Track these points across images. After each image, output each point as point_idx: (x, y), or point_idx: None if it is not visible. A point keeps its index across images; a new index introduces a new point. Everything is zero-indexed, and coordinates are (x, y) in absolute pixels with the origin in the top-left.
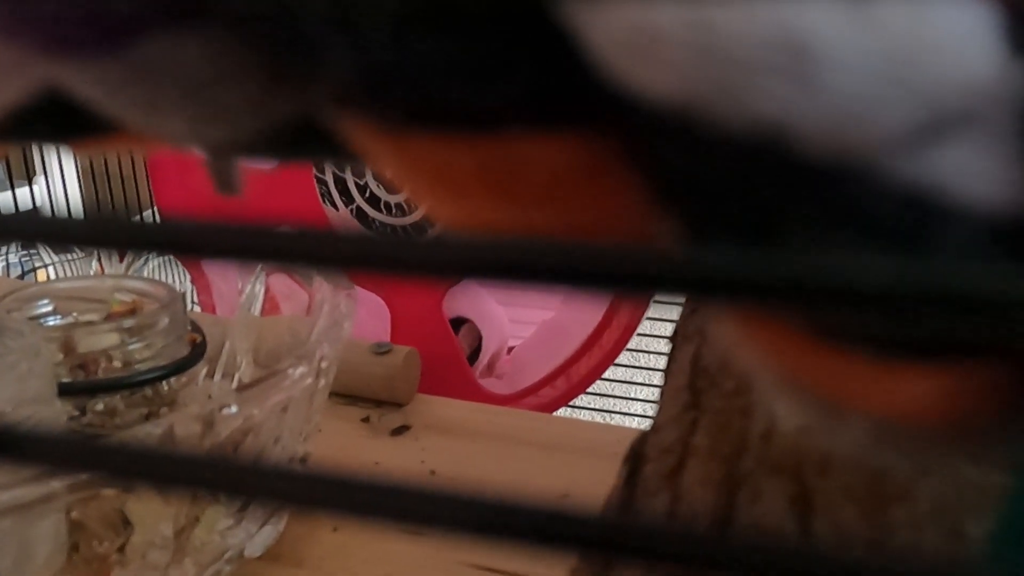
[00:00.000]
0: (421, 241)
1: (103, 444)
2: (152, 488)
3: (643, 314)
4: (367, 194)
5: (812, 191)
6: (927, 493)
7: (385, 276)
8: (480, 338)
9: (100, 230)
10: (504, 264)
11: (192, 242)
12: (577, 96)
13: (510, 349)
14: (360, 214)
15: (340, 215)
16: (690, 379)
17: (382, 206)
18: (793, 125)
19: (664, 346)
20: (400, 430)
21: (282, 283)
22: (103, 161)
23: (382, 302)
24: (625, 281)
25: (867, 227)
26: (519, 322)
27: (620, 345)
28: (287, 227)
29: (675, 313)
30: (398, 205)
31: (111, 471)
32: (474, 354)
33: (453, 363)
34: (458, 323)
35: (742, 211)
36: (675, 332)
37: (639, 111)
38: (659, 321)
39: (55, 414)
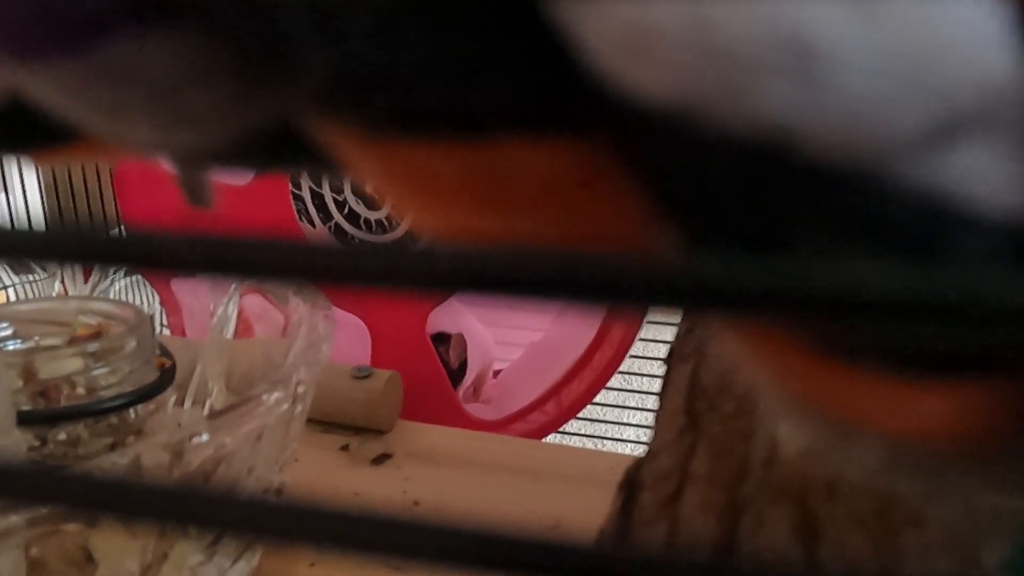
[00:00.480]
0: (405, 252)
1: (65, 475)
2: (117, 521)
3: (636, 334)
4: (346, 210)
5: (820, 196)
6: (939, 519)
7: (367, 291)
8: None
9: (63, 243)
10: (493, 276)
11: (161, 255)
12: (570, 98)
13: (496, 373)
14: (339, 231)
15: (317, 232)
16: (687, 401)
17: (362, 223)
18: (799, 127)
19: (658, 368)
20: (381, 459)
21: (256, 304)
22: (67, 175)
23: (362, 324)
24: (622, 293)
25: (878, 235)
26: (506, 344)
27: (612, 367)
28: (263, 239)
29: (670, 333)
30: (379, 222)
31: (74, 504)
32: (463, 367)
33: (437, 388)
34: (440, 340)
35: (746, 218)
36: (670, 352)
37: (635, 113)
38: (653, 342)
39: (15, 444)
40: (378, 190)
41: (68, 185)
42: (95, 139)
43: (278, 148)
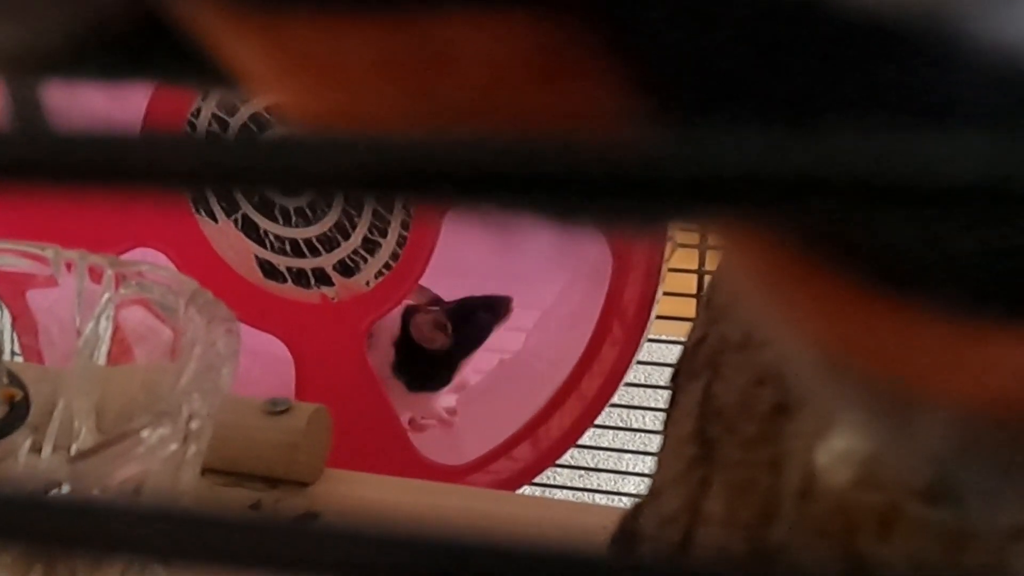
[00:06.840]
0: (324, 143)
1: None
2: None
3: (634, 353)
4: (256, 196)
5: (864, 62)
6: None
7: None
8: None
9: None
10: (434, 169)
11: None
12: None
13: (451, 411)
14: (247, 225)
15: (219, 228)
16: (698, 426)
17: (277, 212)
18: None
19: (664, 400)
20: (304, 520)
21: (137, 319)
22: None
23: (282, 346)
24: (603, 186)
25: (942, 113)
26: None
27: (604, 396)
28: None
29: (676, 356)
30: (299, 210)
31: None
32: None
33: (380, 425)
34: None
35: (761, 90)
36: (677, 369)
37: None
38: (657, 366)
39: None
40: (258, 81)
41: None
42: None
43: (133, 44)
